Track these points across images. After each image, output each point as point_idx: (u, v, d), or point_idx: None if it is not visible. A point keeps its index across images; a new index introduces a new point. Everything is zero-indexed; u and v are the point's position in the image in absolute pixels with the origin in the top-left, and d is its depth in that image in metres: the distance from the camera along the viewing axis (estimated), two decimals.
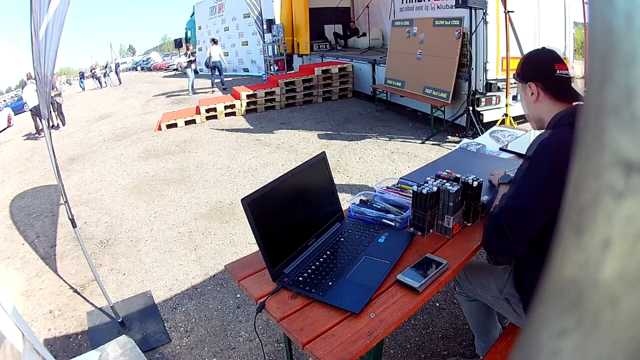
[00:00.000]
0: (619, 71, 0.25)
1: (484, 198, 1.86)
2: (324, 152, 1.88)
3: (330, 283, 1.48)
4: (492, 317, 2.14)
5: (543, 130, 1.64)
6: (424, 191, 1.69)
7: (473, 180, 1.74)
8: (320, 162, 1.84)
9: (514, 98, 6.22)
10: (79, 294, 3.36)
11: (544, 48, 1.74)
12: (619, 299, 0.26)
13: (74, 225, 2.82)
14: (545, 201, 1.39)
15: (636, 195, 0.25)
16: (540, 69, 1.64)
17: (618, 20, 0.25)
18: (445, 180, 1.77)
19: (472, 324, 2.20)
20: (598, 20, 0.27)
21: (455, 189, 1.67)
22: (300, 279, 1.52)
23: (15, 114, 17.28)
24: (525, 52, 5.06)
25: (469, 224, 1.81)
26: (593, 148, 0.27)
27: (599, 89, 0.27)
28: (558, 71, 1.59)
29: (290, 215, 1.67)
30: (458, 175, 1.83)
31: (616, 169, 0.26)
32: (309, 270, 1.56)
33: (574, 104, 1.59)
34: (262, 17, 12.46)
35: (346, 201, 2.09)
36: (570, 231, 0.29)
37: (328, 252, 1.68)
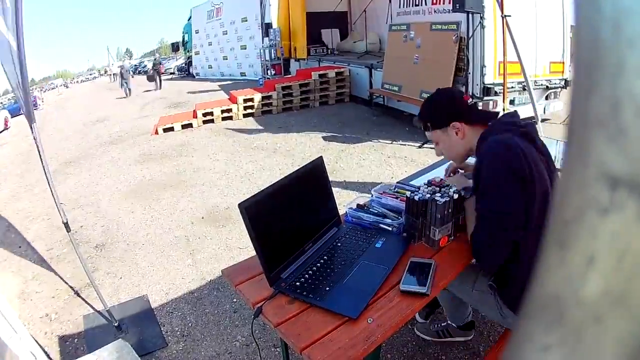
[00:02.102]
0: (605, 82, 0.25)
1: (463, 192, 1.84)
2: (321, 157, 1.89)
3: (327, 288, 1.48)
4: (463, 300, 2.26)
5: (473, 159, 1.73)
6: (416, 198, 1.69)
7: (454, 193, 1.70)
8: (317, 167, 1.85)
9: (511, 102, 6.24)
10: (75, 297, 3.35)
11: (438, 91, 1.84)
12: (603, 316, 0.26)
13: (68, 229, 2.81)
14: (516, 201, 1.46)
15: (621, 212, 0.24)
16: (456, 107, 1.74)
17: (605, 27, 0.24)
18: (438, 188, 1.75)
19: (444, 304, 2.32)
20: (584, 27, 0.26)
21: (443, 200, 1.64)
22: (298, 283, 1.52)
23: (12, 117, 17.20)
24: (523, 56, 5.14)
25: (452, 238, 1.77)
26: (578, 162, 0.27)
27: (584, 100, 0.26)
28: (468, 101, 1.79)
29: (287, 220, 1.67)
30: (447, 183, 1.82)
31: (601, 183, 0.25)
32: (306, 275, 1.56)
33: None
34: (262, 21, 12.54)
35: (343, 206, 2.09)
36: (554, 246, 0.28)
37: (325, 257, 1.68)
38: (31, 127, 2.64)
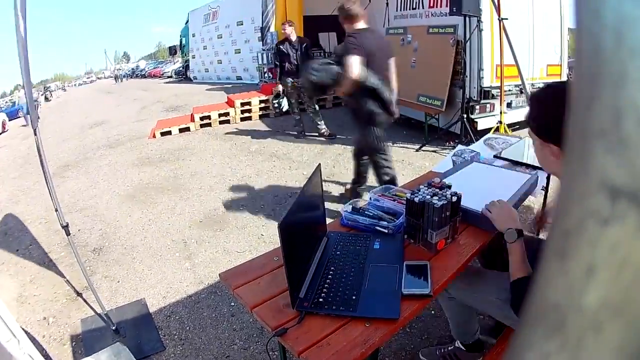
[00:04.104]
0: (607, 92, 0.24)
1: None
2: (319, 164, 1.86)
3: (353, 297, 1.45)
4: (472, 314, 2.13)
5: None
6: (416, 199, 1.69)
7: (452, 196, 1.68)
8: (317, 176, 1.80)
9: (509, 105, 6.25)
10: (73, 300, 3.34)
11: (551, 89, 1.40)
12: (603, 326, 0.26)
13: (67, 232, 2.80)
14: None
15: (622, 222, 0.24)
16: (553, 124, 1.24)
17: (606, 37, 0.24)
18: (438, 190, 1.74)
19: (452, 318, 2.18)
20: (585, 37, 0.26)
21: (440, 203, 1.62)
22: (321, 300, 1.45)
23: (9, 120, 17.19)
24: (520, 59, 5.12)
25: (449, 241, 1.75)
26: (579, 172, 0.26)
27: (585, 110, 0.26)
28: None
29: (301, 236, 1.61)
30: (449, 184, 1.81)
31: (602, 194, 0.25)
32: (324, 290, 1.50)
33: None
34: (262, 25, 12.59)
35: (339, 210, 2.08)
36: (555, 256, 0.28)
37: (332, 268, 1.63)
38: (35, 132, 2.64)
